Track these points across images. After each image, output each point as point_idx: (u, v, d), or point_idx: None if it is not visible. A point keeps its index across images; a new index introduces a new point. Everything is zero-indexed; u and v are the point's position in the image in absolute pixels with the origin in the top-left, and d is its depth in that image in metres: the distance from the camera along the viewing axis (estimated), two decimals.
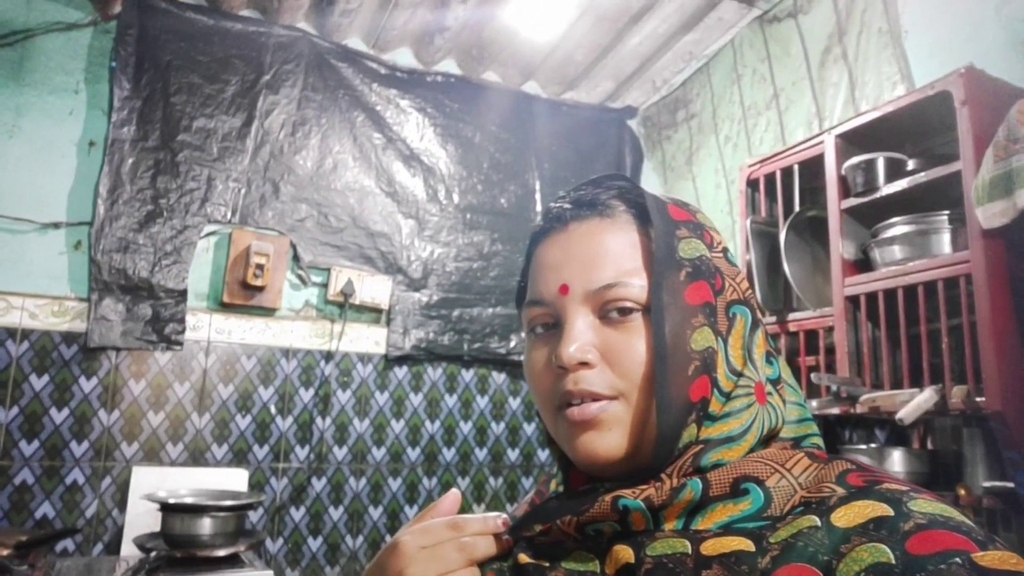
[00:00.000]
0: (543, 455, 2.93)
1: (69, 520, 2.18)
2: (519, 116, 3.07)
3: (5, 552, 1.71)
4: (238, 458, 2.43)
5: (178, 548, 1.87)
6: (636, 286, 0.55)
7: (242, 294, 2.48)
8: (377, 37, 2.79)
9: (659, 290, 0.54)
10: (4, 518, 2.11)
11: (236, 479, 2.38)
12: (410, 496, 2.68)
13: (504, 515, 0.58)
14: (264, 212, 2.55)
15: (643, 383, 0.54)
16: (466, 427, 2.82)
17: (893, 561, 0.41)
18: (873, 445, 1.87)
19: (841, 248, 1.83)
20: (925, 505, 0.45)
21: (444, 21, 2.68)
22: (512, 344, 2.90)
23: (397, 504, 2.66)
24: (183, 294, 2.39)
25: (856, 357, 1.77)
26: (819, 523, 0.47)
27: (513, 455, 2.89)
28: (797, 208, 1.99)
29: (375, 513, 2.62)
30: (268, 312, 2.54)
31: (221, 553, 1.88)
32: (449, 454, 2.77)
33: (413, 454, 2.71)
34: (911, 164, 1.75)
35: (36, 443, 2.18)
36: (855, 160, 1.80)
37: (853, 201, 1.82)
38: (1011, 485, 1.46)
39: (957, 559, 0.40)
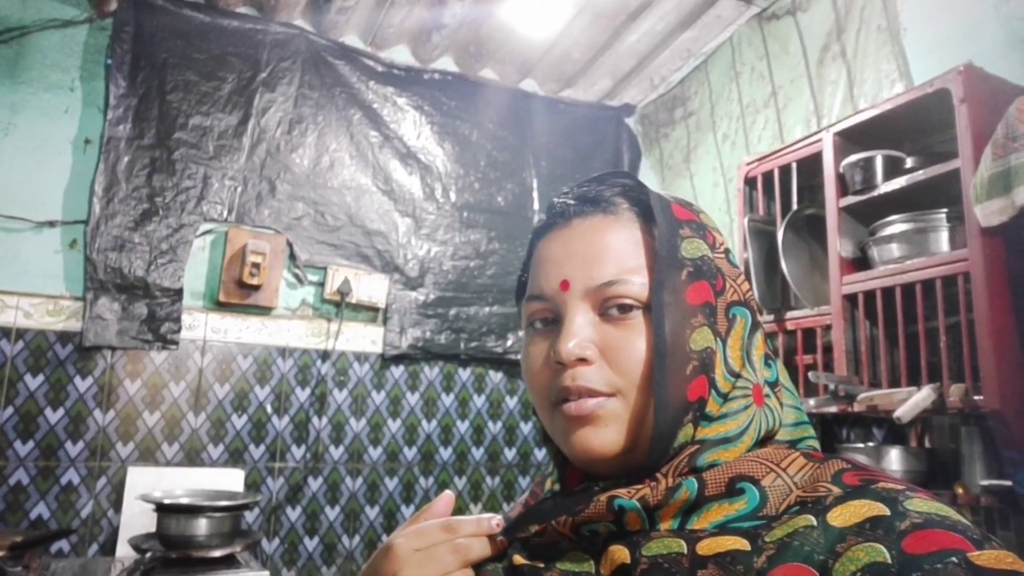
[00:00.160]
0: (540, 454, 2.93)
1: (64, 521, 2.17)
2: (516, 114, 3.06)
3: (0, 553, 1.70)
4: (234, 458, 2.43)
5: (174, 549, 1.86)
6: (637, 284, 0.55)
7: (238, 293, 2.47)
8: (374, 34, 2.78)
9: (660, 288, 0.54)
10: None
11: (232, 479, 2.37)
12: (406, 496, 2.67)
13: (498, 516, 0.58)
14: (260, 210, 2.55)
15: (641, 381, 0.54)
16: (463, 426, 2.82)
17: (889, 560, 0.41)
18: (871, 444, 1.86)
19: (839, 246, 1.82)
20: (921, 504, 0.45)
21: (441, 18, 2.68)
22: (509, 343, 2.89)
23: (393, 504, 2.65)
24: (179, 293, 2.38)
25: (854, 356, 1.77)
26: (815, 522, 0.46)
27: (510, 454, 2.88)
28: (795, 206, 1.99)
29: (371, 513, 2.61)
30: (264, 311, 2.54)
31: (217, 554, 1.88)
32: (446, 453, 2.77)
33: (410, 453, 2.71)
34: (909, 162, 1.75)
35: (31, 443, 2.17)
36: (853, 158, 1.80)
37: (851, 199, 1.81)
38: (1009, 484, 1.45)
39: (953, 558, 0.40)
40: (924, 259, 1.62)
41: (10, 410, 2.16)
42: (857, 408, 1.66)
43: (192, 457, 2.37)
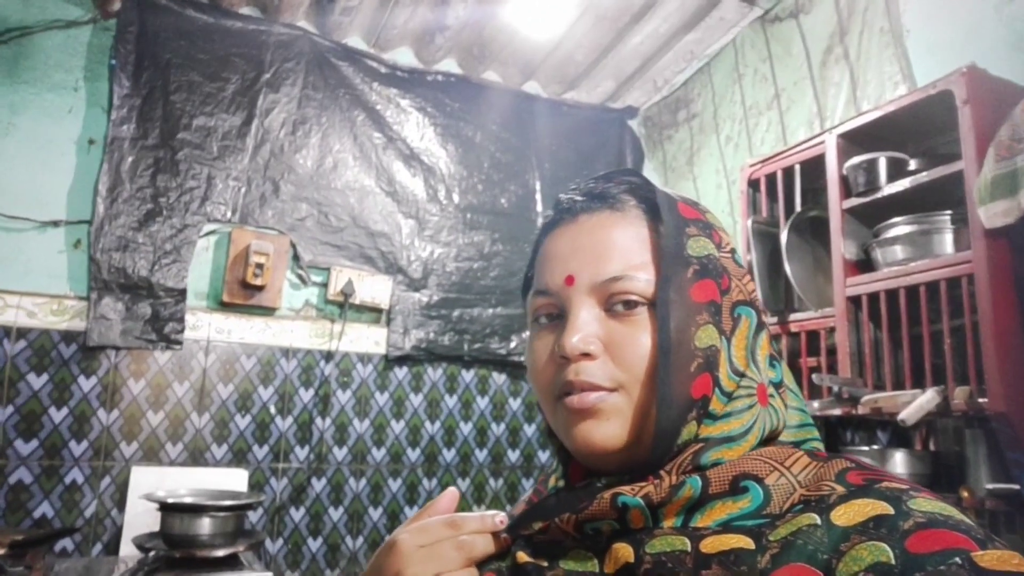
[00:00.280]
0: (544, 456, 2.93)
1: (68, 520, 2.18)
2: (519, 116, 3.07)
3: (1, 551, 1.70)
4: (238, 458, 2.43)
5: (177, 548, 1.86)
6: (642, 280, 0.55)
7: (242, 293, 2.47)
8: (377, 36, 2.79)
9: (666, 285, 0.54)
10: (1, 518, 2.10)
11: (236, 479, 2.37)
12: (410, 497, 2.67)
13: (502, 513, 0.58)
14: (264, 211, 2.55)
15: (645, 377, 0.54)
16: (466, 428, 2.82)
17: (893, 560, 0.41)
18: (875, 446, 1.86)
19: (843, 248, 1.82)
20: (925, 503, 0.45)
21: (444, 20, 2.68)
22: (513, 344, 2.89)
23: (397, 505, 2.65)
24: (183, 293, 2.38)
25: (858, 358, 1.77)
26: (819, 521, 0.46)
27: (513, 456, 2.88)
28: (798, 208, 1.99)
29: (375, 514, 2.61)
30: (268, 312, 2.54)
31: (220, 553, 1.88)
32: (449, 455, 2.77)
33: (413, 455, 2.71)
34: (913, 164, 1.74)
35: (35, 442, 2.17)
36: (856, 160, 1.80)
37: (854, 201, 1.81)
38: (1015, 487, 1.45)
39: (957, 558, 0.40)
40: (928, 261, 1.61)
41: (11, 409, 2.16)
42: (861, 411, 1.66)
43: (196, 457, 2.37)
